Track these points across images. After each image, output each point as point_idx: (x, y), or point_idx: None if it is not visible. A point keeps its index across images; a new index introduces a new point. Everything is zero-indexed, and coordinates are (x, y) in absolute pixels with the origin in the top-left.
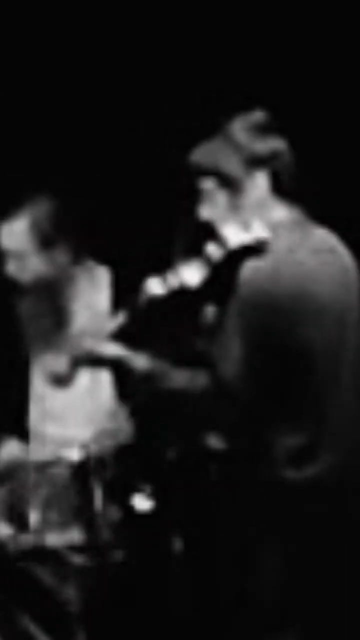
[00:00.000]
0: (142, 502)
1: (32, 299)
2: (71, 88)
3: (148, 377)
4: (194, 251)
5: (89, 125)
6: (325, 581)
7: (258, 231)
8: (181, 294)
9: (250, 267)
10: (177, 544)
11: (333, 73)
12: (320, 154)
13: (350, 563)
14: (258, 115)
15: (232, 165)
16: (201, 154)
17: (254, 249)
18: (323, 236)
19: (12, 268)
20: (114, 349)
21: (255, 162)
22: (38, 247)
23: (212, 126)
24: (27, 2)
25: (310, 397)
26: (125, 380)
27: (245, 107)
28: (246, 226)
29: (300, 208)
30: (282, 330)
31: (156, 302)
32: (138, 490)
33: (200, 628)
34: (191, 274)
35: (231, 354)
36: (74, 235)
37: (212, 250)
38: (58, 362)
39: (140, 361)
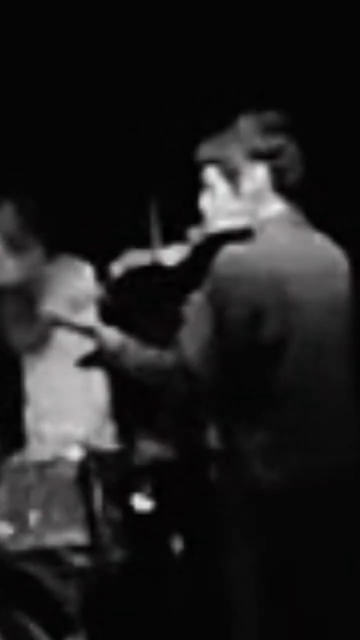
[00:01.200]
0: (142, 502)
1: (11, 301)
2: (39, 86)
3: (117, 350)
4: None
5: (64, 123)
6: (302, 579)
7: (243, 221)
8: (157, 272)
9: (225, 255)
10: (177, 544)
11: (335, 74)
12: (322, 155)
13: (329, 562)
14: (268, 114)
15: (233, 155)
16: (207, 145)
17: (235, 237)
18: (314, 236)
19: None
20: (86, 319)
21: (256, 155)
22: (9, 251)
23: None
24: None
25: (278, 393)
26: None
27: (240, 108)
28: (234, 215)
29: (299, 207)
30: (247, 321)
31: (131, 275)
32: (138, 490)
33: (200, 628)
34: (169, 254)
35: (197, 336)
36: (46, 234)
37: (194, 233)
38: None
39: (111, 334)
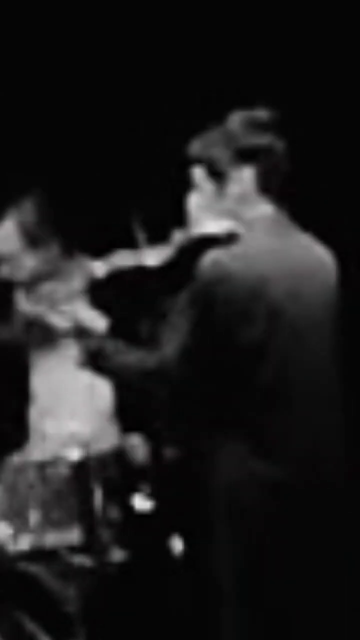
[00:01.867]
0: (142, 502)
1: (26, 296)
2: (55, 86)
3: (100, 351)
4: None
5: (78, 123)
6: (289, 582)
7: (228, 224)
8: (141, 273)
9: (209, 258)
10: (177, 544)
11: (325, 75)
12: (310, 156)
13: (315, 566)
14: (258, 112)
15: (221, 155)
16: (196, 143)
17: (219, 240)
18: (300, 238)
19: (6, 270)
20: (65, 321)
21: (242, 155)
22: (28, 246)
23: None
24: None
25: (261, 396)
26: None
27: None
28: (219, 216)
29: (285, 209)
30: (230, 323)
31: (115, 276)
32: (138, 490)
33: (200, 628)
34: (152, 256)
35: (179, 338)
36: (63, 231)
37: (178, 236)
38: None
39: (93, 335)
